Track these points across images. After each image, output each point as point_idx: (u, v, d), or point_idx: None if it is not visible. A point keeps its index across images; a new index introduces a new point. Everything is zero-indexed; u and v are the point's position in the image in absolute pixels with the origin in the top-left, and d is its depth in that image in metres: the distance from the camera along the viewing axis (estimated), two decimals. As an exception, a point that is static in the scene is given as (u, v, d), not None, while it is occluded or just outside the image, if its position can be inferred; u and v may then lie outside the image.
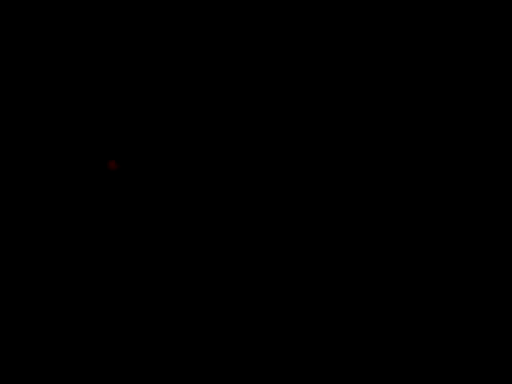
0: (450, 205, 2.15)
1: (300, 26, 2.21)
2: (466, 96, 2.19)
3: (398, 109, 2.20)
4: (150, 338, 2.11)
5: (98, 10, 2.17)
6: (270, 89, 2.21)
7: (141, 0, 2.17)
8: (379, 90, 2.21)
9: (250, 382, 2.07)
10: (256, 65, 2.21)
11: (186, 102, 2.21)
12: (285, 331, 2.11)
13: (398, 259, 2.13)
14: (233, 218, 2.19)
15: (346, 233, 2.16)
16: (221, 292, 2.15)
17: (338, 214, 2.17)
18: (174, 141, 2.21)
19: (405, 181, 2.18)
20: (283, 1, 2.19)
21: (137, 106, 2.20)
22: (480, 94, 2.18)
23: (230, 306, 2.14)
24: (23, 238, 2.16)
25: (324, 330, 2.10)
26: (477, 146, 2.17)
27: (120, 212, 2.20)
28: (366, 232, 2.15)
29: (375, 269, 2.13)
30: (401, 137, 2.19)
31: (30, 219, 2.17)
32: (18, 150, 2.19)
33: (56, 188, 2.20)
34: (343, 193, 2.18)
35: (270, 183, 2.20)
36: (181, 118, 2.21)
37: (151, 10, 2.17)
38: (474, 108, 2.18)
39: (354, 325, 2.09)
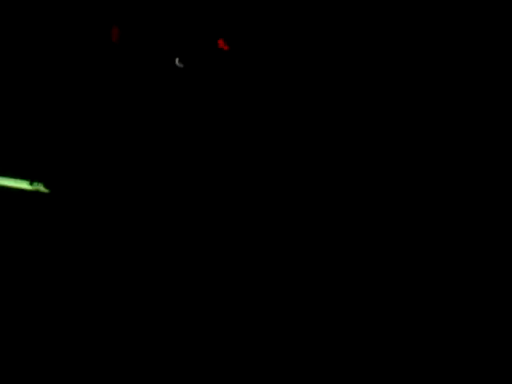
0: (450, 205, 2.16)
1: (300, 26, 2.21)
2: (465, 96, 2.19)
3: (397, 109, 2.21)
4: (150, 338, 2.12)
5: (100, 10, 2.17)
6: (270, 89, 2.21)
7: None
8: (379, 90, 2.21)
9: (250, 382, 2.07)
10: (256, 65, 2.21)
11: (185, 101, 2.21)
12: (285, 331, 2.11)
13: (398, 259, 2.14)
14: (232, 219, 2.19)
15: (346, 233, 2.16)
16: (221, 292, 2.15)
17: (338, 214, 2.18)
18: (174, 140, 2.21)
19: (405, 181, 2.18)
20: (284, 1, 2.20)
21: (136, 107, 2.20)
22: (480, 94, 2.18)
23: (229, 305, 2.14)
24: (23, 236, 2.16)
25: (324, 330, 2.10)
26: (477, 146, 2.17)
27: (120, 211, 2.20)
28: (365, 232, 2.16)
29: (375, 269, 2.13)
30: (401, 137, 2.20)
31: (29, 216, 2.17)
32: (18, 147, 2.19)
33: (57, 187, 2.20)
34: (343, 193, 2.19)
35: (270, 183, 2.20)
36: (180, 117, 2.21)
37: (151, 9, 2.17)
38: (474, 108, 2.18)
39: (353, 325, 2.10)
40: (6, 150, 2.15)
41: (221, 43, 1.89)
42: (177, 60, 1.76)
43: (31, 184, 1.91)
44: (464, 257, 2.12)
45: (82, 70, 2.12)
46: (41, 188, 2.03)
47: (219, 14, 1.97)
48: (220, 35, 1.94)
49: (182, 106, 2.13)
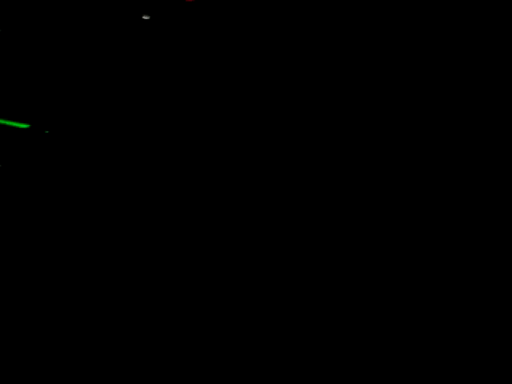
0: (450, 205, 2.15)
1: (300, 26, 2.21)
2: (466, 96, 2.19)
3: (397, 109, 2.20)
4: (150, 338, 2.11)
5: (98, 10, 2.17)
6: (269, 89, 2.21)
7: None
8: (379, 90, 2.21)
9: (250, 382, 2.07)
10: (256, 65, 2.21)
11: (185, 101, 2.21)
12: (285, 331, 2.11)
13: (397, 259, 2.13)
14: (233, 219, 2.19)
15: (346, 233, 2.16)
16: (221, 292, 2.15)
17: (337, 214, 2.17)
18: (174, 140, 2.21)
19: (405, 181, 2.18)
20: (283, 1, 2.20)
21: (136, 106, 2.20)
22: (480, 94, 2.18)
23: (229, 305, 2.14)
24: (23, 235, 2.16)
25: (324, 330, 2.10)
26: (477, 146, 2.17)
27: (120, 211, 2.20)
28: (365, 232, 2.15)
29: (375, 269, 2.13)
30: (401, 137, 2.20)
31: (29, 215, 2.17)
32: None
33: (56, 187, 2.20)
34: (343, 193, 2.18)
35: (269, 183, 2.20)
36: (180, 117, 2.21)
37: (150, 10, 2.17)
38: (474, 108, 2.18)
39: (353, 325, 2.10)
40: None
41: None
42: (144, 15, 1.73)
43: None
44: (464, 257, 2.12)
45: (49, 25, 2.08)
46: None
47: None
48: None
49: (150, 57, 2.09)
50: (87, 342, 2.10)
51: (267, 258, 2.16)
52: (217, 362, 2.09)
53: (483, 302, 2.07)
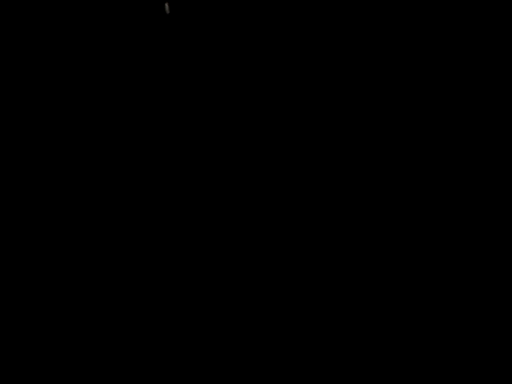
0: (450, 205, 2.15)
1: (300, 26, 2.21)
2: (466, 96, 2.19)
3: (397, 109, 2.20)
4: (150, 338, 2.11)
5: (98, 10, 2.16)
6: (269, 89, 2.21)
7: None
8: (379, 90, 2.21)
9: (249, 382, 2.07)
10: (256, 65, 2.21)
11: (185, 101, 2.21)
12: (285, 331, 2.10)
13: (397, 259, 2.13)
14: (232, 219, 2.19)
15: (346, 233, 2.16)
16: (221, 292, 2.15)
17: (337, 214, 2.17)
18: (173, 140, 2.21)
19: (405, 181, 2.18)
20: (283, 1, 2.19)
21: (136, 106, 2.19)
22: (480, 94, 2.18)
23: (229, 305, 2.14)
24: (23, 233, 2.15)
25: (324, 331, 2.10)
26: (477, 146, 2.17)
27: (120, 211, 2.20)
28: (365, 232, 2.15)
29: (375, 269, 2.13)
30: (401, 137, 2.20)
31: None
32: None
33: (56, 187, 2.19)
34: (343, 193, 2.18)
35: (269, 183, 2.20)
36: (180, 117, 2.21)
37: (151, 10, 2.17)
38: (474, 108, 2.18)
39: (353, 325, 2.09)
40: None
41: None
42: (166, 6, 1.70)
43: None
44: (464, 257, 2.12)
45: (66, 18, 2.06)
46: None
47: None
48: None
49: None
50: (87, 342, 2.10)
51: (267, 258, 2.16)
52: (217, 361, 2.08)
53: (483, 302, 2.07)
